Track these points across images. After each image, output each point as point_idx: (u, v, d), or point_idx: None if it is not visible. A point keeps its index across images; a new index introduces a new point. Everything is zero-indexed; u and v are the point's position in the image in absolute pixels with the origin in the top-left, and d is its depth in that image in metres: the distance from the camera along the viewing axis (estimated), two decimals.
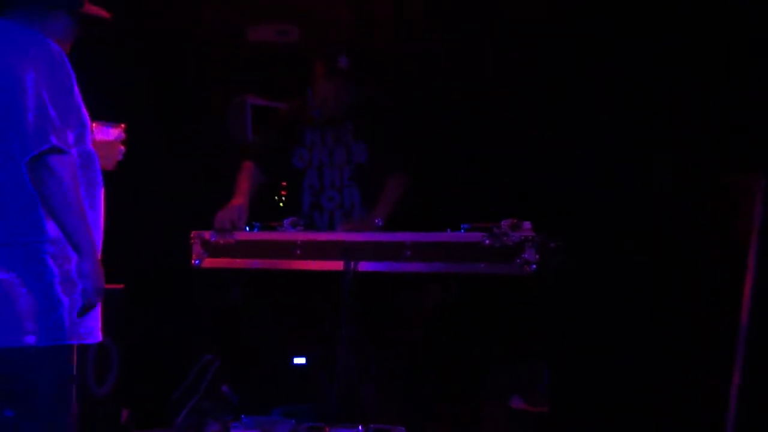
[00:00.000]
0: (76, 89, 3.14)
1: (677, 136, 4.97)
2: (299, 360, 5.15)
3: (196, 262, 4.68)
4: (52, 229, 3.06)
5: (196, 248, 4.68)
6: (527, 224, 4.30)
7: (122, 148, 3.54)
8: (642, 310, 4.99)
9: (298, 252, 4.52)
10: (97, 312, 3.21)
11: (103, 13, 3.39)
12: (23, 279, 3.04)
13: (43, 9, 3.22)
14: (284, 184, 5.26)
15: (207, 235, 4.67)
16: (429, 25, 5.61)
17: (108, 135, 3.51)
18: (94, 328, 3.23)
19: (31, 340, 3.04)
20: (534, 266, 4.21)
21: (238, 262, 4.64)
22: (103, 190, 3.29)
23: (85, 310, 3.06)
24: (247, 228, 4.70)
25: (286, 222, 4.69)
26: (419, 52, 5.66)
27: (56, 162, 2.97)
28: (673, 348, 4.89)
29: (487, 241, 4.28)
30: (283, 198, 5.31)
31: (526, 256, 4.22)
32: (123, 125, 3.55)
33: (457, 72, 5.54)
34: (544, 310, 4.91)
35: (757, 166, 4.59)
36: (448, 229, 4.41)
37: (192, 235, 4.70)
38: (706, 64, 4.87)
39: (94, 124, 3.48)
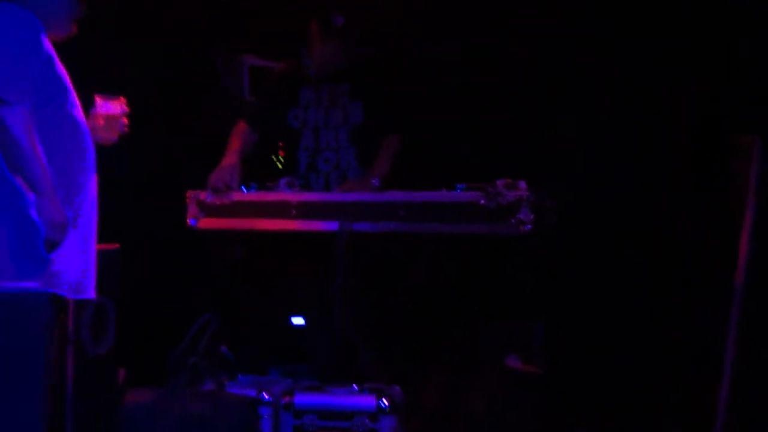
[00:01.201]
0: (41, 53, 3.21)
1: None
2: (297, 320, 5.16)
3: (192, 222, 4.70)
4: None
5: (192, 208, 4.70)
6: (522, 183, 4.30)
7: (125, 120, 3.61)
8: (639, 267, 4.98)
9: (293, 212, 4.54)
10: (88, 267, 3.30)
11: None
12: (7, 235, 3.14)
13: None
14: (281, 144, 5.26)
15: (202, 195, 4.69)
16: None
17: (110, 109, 3.59)
18: (87, 285, 3.30)
19: (9, 285, 3.14)
20: (529, 226, 4.23)
21: (234, 222, 4.67)
22: (93, 154, 3.38)
23: (49, 246, 3.17)
24: (244, 188, 4.71)
25: (281, 182, 4.70)
26: (419, 13, 5.64)
27: (3, 113, 3.08)
28: (669, 307, 4.89)
29: (482, 201, 4.29)
30: (281, 159, 5.30)
31: (520, 215, 4.23)
32: (123, 98, 3.60)
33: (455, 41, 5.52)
34: (540, 268, 4.91)
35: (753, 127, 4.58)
36: (444, 189, 4.42)
37: (187, 195, 4.71)
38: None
39: (97, 98, 3.54)
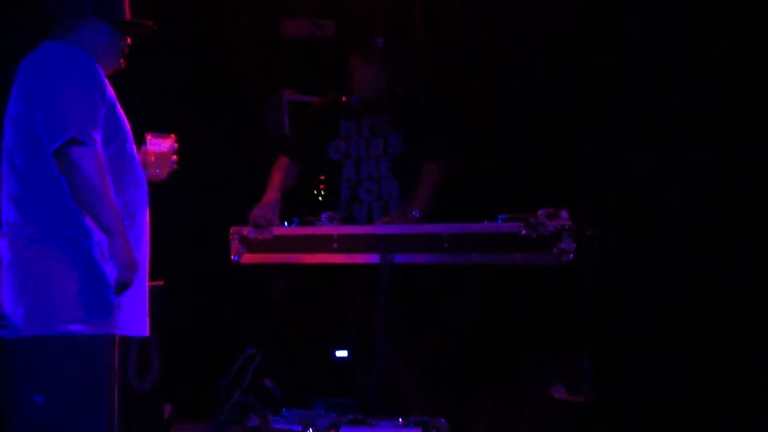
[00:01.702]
0: (105, 94, 3.26)
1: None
2: (341, 353, 5.15)
3: (235, 258, 4.73)
4: (90, 224, 3.18)
5: (235, 244, 4.72)
6: (564, 213, 4.28)
7: (174, 158, 3.65)
8: (684, 294, 4.94)
9: (335, 246, 4.55)
10: (142, 305, 3.35)
11: (147, 23, 3.48)
12: (66, 268, 3.17)
13: (73, 20, 3.36)
14: (322, 177, 5.28)
15: (245, 231, 4.71)
16: (464, 22, 5.61)
17: (161, 146, 3.65)
18: (141, 323, 3.32)
19: (75, 328, 3.16)
20: (571, 255, 4.19)
21: (277, 257, 4.68)
22: (146, 192, 3.43)
23: (120, 287, 3.18)
24: (286, 223, 4.73)
25: (323, 216, 4.72)
26: (455, 45, 5.67)
27: (77, 153, 3.10)
28: (716, 335, 4.84)
29: (524, 231, 4.27)
30: (322, 192, 5.32)
31: (563, 245, 4.20)
32: (174, 136, 3.64)
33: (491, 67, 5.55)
34: (584, 298, 4.88)
35: None
36: (485, 220, 4.41)
37: (231, 231, 4.74)
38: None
39: (148, 136, 3.59)
